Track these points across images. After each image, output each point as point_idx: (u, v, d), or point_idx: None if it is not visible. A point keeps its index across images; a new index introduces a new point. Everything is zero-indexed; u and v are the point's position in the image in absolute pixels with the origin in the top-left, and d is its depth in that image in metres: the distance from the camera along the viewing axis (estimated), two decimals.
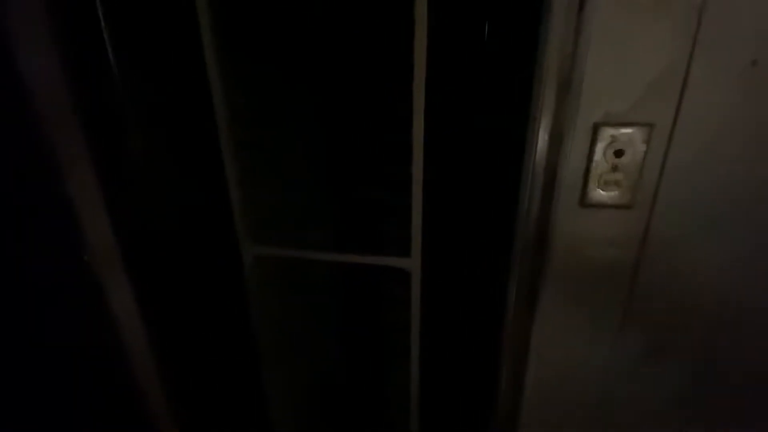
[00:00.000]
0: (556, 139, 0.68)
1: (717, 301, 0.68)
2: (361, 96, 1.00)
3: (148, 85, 0.92)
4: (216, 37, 0.90)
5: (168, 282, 1.05)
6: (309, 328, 1.22)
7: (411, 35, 0.83)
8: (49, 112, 0.81)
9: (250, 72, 0.97)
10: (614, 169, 0.63)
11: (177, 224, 1.05)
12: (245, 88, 0.97)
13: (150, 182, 0.97)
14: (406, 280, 1.03)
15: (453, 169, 0.93)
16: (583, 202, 0.65)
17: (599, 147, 0.63)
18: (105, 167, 0.87)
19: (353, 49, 0.96)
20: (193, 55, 0.91)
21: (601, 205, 0.65)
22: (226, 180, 1.02)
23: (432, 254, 0.99)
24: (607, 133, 0.62)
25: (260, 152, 1.02)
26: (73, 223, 0.89)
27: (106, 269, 0.94)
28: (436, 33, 0.82)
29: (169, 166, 1.00)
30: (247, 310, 1.13)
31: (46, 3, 0.73)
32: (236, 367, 1.20)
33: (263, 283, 1.11)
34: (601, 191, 0.64)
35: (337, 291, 1.18)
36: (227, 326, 1.17)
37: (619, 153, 0.62)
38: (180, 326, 1.08)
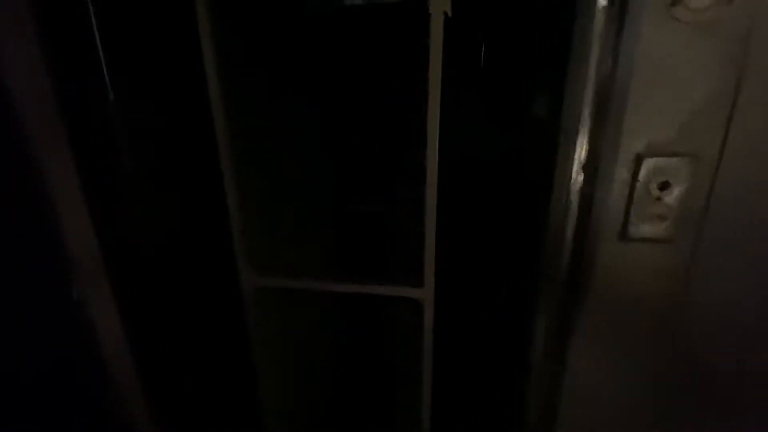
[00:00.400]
0: (592, 167, 0.64)
1: (764, 339, 0.65)
2: (371, 116, 0.95)
3: (145, 102, 0.86)
4: (218, 55, 0.84)
5: (159, 310, 0.98)
6: (312, 359, 1.15)
7: (427, 48, 0.79)
8: (33, 128, 0.73)
9: (252, 90, 0.91)
10: (658, 201, 0.59)
11: (171, 247, 0.98)
12: (247, 105, 0.91)
13: (143, 202, 0.90)
14: (417, 311, 0.97)
15: (471, 193, 0.89)
16: (624, 235, 0.61)
17: (642, 178, 0.59)
18: (94, 187, 0.80)
19: (364, 66, 0.91)
20: (192, 72, 0.85)
21: (643, 239, 0.61)
22: (226, 204, 0.95)
23: (447, 284, 0.94)
24: (651, 164, 0.59)
25: (263, 174, 0.95)
26: (57, 237, 0.81)
27: (93, 294, 0.86)
28: (455, 44, 0.78)
29: (165, 184, 0.94)
30: (246, 341, 1.05)
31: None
32: (233, 397, 1.12)
33: (264, 314, 1.03)
34: (644, 225, 0.61)
35: (342, 320, 1.11)
36: (224, 357, 1.09)
37: (663, 185, 0.59)
38: (171, 361, 1.00)
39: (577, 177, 0.65)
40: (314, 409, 1.20)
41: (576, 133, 0.64)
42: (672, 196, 0.59)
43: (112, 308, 0.89)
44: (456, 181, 0.91)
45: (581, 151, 0.65)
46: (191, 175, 0.96)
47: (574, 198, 0.65)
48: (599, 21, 0.58)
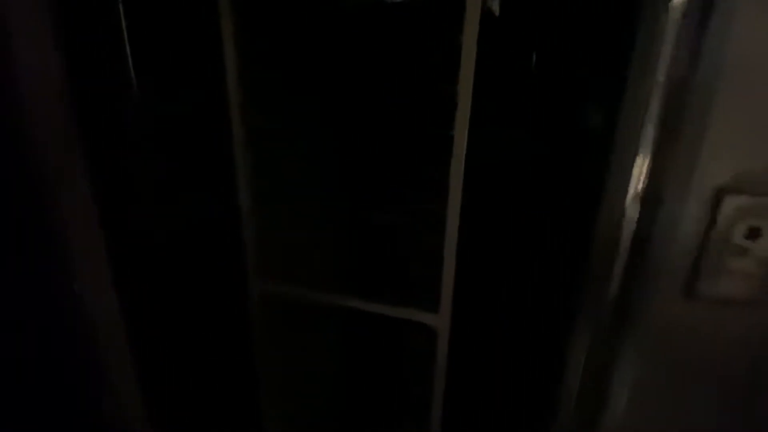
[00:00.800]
0: (653, 199, 0.50)
1: None
2: (394, 121, 0.84)
3: (162, 104, 0.81)
4: (238, 57, 0.77)
5: (163, 311, 0.93)
6: (317, 372, 1.07)
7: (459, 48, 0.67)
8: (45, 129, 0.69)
9: (270, 94, 0.83)
10: (742, 252, 0.45)
11: (180, 249, 0.93)
12: (265, 109, 0.83)
13: (154, 202, 0.85)
14: (431, 338, 0.86)
15: (500, 210, 0.76)
16: (690, 292, 0.47)
17: (722, 221, 0.45)
18: (104, 186, 0.76)
19: (389, 67, 0.80)
20: (210, 74, 0.79)
21: (718, 300, 0.47)
22: (239, 208, 0.88)
23: (464, 313, 0.82)
24: (737, 202, 0.44)
25: (277, 180, 0.87)
26: (63, 243, 0.77)
27: (97, 295, 0.82)
28: (486, 51, 0.66)
29: (178, 186, 0.88)
30: (250, 348, 0.99)
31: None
32: (235, 404, 1.07)
33: (269, 321, 0.96)
34: (720, 281, 0.46)
35: (350, 336, 1.02)
36: (227, 362, 1.04)
37: (752, 232, 0.44)
38: (172, 364, 0.96)
39: (632, 209, 0.51)
40: (316, 421, 1.13)
41: (634, 153, 0.50)
42: (763, 248, 0.44)
43: (114, 306, 0.85)
44: (483, 196, 0.79)
45: (640, 177, 0.51)
46: (205, 179, 0.91)
47: (626, 235, 0.51)
48: (674, 14, 0.44)
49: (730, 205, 0.44)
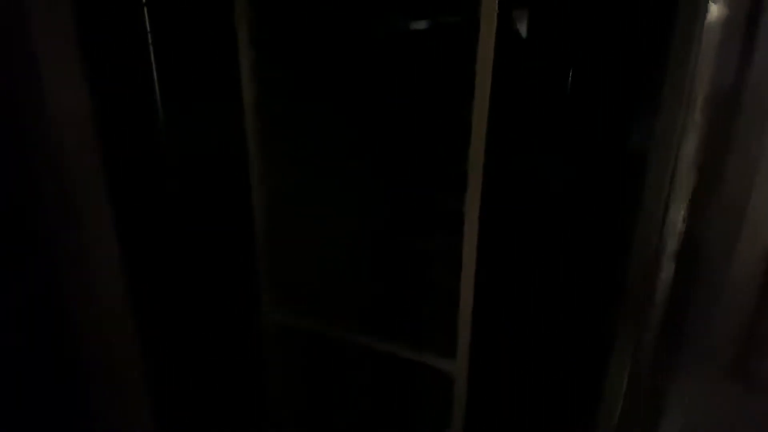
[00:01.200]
0: (691, 252, 0.42)
1: None
2: (413, 152, 0.80)
3: (185, 129, 0.83)
4: (258, 86, 0.77)
5: (177, 333, 0.93)
6: (326, 408, 1.02)
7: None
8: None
9: (288, 121, 0.82)
10: None
11: (196, 272, 0.93)
12: (282, 138, 0.82)
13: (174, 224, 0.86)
14: (447, 386, 0.79)
15: (520, 247, 0.69)
16: (741, 371, 0.39)
17: None
18: (123, 205, 0.77)
19: (408, 93, 0.76)
20: (229, 102, 0.80)
21: None
22: (255, 236, 0.87)
23: (485, 357, 0.75)
24: None
25: (296, 212, 0.85)
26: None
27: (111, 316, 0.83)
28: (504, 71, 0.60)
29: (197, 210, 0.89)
30: (259, 376, 0.97)
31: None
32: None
33: (281, 353, 0.93)
34: None
35: (362, 373, 0.97)
36: (236, 388, 1.02)
37: None
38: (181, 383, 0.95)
39: (667, 267, 0.44)
40: None
41: (670, 189, 0.43)
42: None
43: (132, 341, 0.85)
44: (503, 229, 0.72)
45: (675, 230, 0.43)
46: (224, 206, 0.91)
47: (661, 297, 0.44)
48: (711, 32, 0.37)
49: None
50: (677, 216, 0.43)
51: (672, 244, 0.41)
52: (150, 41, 0.79)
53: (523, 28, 0.75)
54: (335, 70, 0.78)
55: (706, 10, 0.36)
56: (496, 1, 0.54)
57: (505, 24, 0.63)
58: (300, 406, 0.96)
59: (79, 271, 0.76)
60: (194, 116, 0.86)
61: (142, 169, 0.82)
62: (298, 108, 0.81)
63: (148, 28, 0.79)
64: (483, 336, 0.75)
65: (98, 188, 0.73)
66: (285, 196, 0.85)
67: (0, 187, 0.66)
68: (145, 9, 0.74)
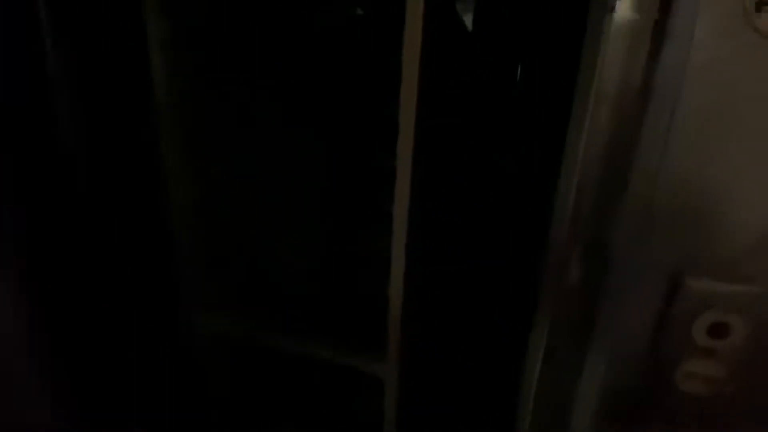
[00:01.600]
0: (599, 254, 0.40)
1: None
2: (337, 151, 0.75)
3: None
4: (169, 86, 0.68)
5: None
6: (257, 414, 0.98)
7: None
8: None
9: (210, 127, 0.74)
10: (706, 354, 0.35)
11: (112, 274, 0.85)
12: (202, 137, 0.75)
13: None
14: (378, 390, 0.77)
15: (446, 253, 0.66)
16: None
17: (679, 314, 0.35)
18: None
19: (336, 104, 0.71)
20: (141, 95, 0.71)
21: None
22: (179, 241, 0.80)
23: (416, 360, 0.74)
24: (698, 290, 0.34)
25: (218, 211, 0.79)
26: None
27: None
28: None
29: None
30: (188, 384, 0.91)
31: None
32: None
33: (207, 357, 0.88)
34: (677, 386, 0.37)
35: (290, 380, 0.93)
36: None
37: (717, 329, 0.34)
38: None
39: (576, 266, 0.42)
40: None
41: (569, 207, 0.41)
42: (728, 349, 0.35)
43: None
44: (432, 229, 0.69)
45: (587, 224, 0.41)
46: (140, 208, 0.83)
47: (572, 292, 0.42)
48: (619, 39, 0.34)
49: (690, 293, 0.34)
50: (586, 217, 0.41)
51: (582, 242, 0.38)
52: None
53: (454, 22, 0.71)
54: (250, 63, 0.71)
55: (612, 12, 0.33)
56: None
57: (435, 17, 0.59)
58: (229, 413, 0.91)
59: None
60: (101, 111, 0.77)
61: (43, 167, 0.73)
62: (217, 103, 0.74)
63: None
64: (412, 337, 0.73)
65: None
66: (208, 197, 0.78)
67: None
68: None
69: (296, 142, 0.76)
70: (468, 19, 0.74)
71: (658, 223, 0.36)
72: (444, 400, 0.77)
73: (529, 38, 0.61)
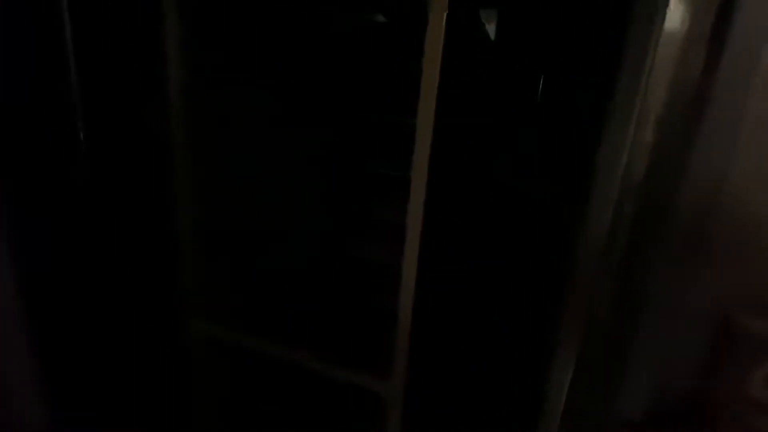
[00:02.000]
0: (628, 305, 0.36)
1: None
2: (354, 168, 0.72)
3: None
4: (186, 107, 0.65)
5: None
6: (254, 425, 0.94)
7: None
8: None
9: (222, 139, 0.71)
10: (763, 409, 0.31)
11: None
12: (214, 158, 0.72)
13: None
14: (379, 407, 0.73)
15: (458, 271, 0.62)
16: None
17: (731, 359, 0.31)
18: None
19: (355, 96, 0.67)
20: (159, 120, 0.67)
21: None
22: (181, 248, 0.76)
23: (421, 379, 0.69)
24: (757, 332, 0.30)
25: (226, 220, 0.75)
26: None
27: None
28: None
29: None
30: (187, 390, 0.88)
31: None
32: None
33: (207, 364, 0.85)
34: None
35: (292, 393, 0.89)
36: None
37: None
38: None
39: (604, 287, 0.38)
40: None
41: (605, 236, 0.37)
42: None
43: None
44: (446, 242, 0.66)
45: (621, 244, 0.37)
46: (145, 210, 0.80)
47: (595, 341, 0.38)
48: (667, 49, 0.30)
49: (750, 339, 0.30)
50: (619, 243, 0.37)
51: (614, 273, 0.35)
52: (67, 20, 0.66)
53: (479, 29, 0.68)
54: (265, 64, 0.68)
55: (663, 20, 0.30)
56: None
57: (458, 24, 0.56)
58: (228, 423, 0.87)
59: None
60: (115, 108, 0.74)
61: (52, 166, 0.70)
62: (228, 104, 0.71)
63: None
64: (420, 357, 0.69)
65: None
66: (213, 201, 0.75)
67: None
68: None
69: (304, 151, 0.73)
70: (491, 30, 0.71)
71: (709, 254, 0.32)
72: (448, 418, 0.73)
73: (556, 50, 0.57)
